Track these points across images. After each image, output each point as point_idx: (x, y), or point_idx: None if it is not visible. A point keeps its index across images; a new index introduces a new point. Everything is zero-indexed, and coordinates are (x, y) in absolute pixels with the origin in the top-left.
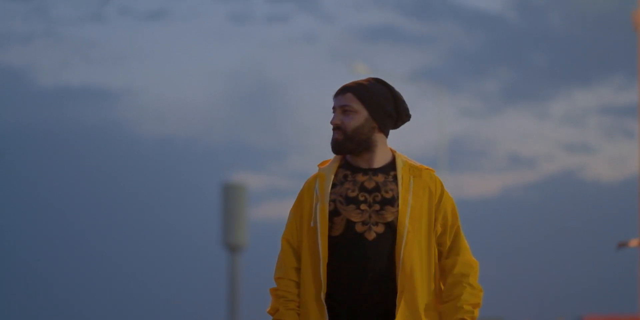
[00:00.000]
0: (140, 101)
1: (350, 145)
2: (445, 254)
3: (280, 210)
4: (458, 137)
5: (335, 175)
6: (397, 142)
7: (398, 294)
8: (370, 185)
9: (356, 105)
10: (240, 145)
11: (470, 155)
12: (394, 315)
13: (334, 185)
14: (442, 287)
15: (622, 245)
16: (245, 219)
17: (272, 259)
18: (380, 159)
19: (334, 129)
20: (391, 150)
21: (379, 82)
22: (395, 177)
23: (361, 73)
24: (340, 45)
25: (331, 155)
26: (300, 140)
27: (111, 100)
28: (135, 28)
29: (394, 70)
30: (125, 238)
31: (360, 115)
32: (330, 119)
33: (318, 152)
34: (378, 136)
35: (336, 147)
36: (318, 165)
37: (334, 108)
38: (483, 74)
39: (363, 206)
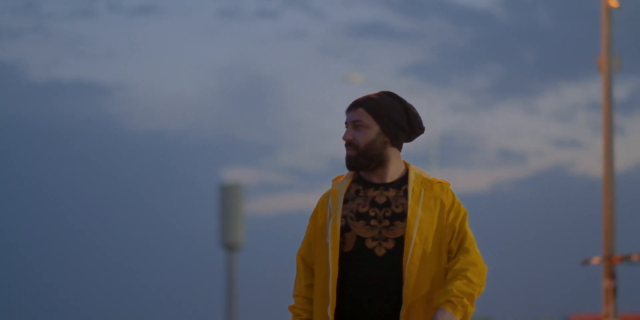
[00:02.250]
0: (132, 96)
1: (363, 161)
2: (452, 258)
3: (271, 204)
4: (448, 133)
5: (348, 190)
6: None
7: (403, 307)
8: (381, 200)
9: (368, 120)
10: (231, 140)
11: (461, 151)
12: None
13: (345, 201)
14: None
15: (586, 262)
16: (242, 218)
17: (264, 255)
18: (393, 174)
19: (346, 145)
20: (405, 163)
21: (390, 95)
22: (406, 191)
23: (356, 83)
24: (330, 41)
25: (321, 156)
26: (291, 135)
27: (103, 95)
28: (125, 23)
29: (384, 66)
30: (118, 233)
31: (372, 130)
32: (343, 134)
33: (308, 146)
34: (391, 150)
35: (350, 163)
36: (332, 181)
37: (346, 123)
38: (472, 70)
39: (373, 222)
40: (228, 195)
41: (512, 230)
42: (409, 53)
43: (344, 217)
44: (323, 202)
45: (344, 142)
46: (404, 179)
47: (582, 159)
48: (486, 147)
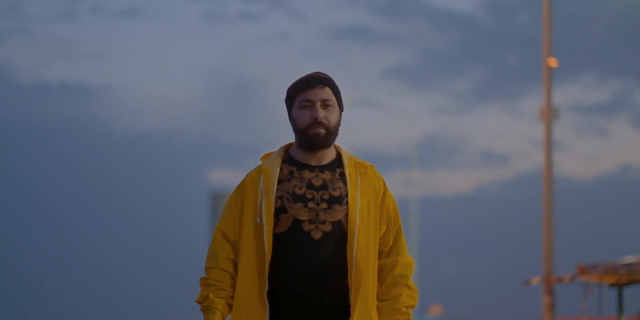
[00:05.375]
0: (118, 98)
1: (330, 140)
2: (385, 253)
3: None
4: (432, 135)
5: (280, 170)
6: (373, 140)
7: (352, 292)
8: (317, 182)
9: (334, 100)
10: (216, 141)
11: (445, 153)
12: (341, 313)
13: (279, 181)
14: (378, 285)
15: (527, 282)
16: None
17: None
18: (328, 156)
19: (315, 124)
20: (335, 146)
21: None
22: (342, 175)
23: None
24: (314, 44)
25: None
26: (276, 136)
27: (89, 96)
28: (108, 26)
29: (367, 68)
30: (105, 233)
31: (337, 111)
32: (306, 114)
33: None
34: None
35: (319, 141)
36: (261, 158)
37: (310, 101)
38: (455, 72)
39: (311, 204)
40: (219, 204)
41: (494, 232)
42: (392, 56)
43: (279, 197)
44: (253, 180)
45: (307, 121)
46: (337, 162)
47: (564, 161)
48: (470, 149)
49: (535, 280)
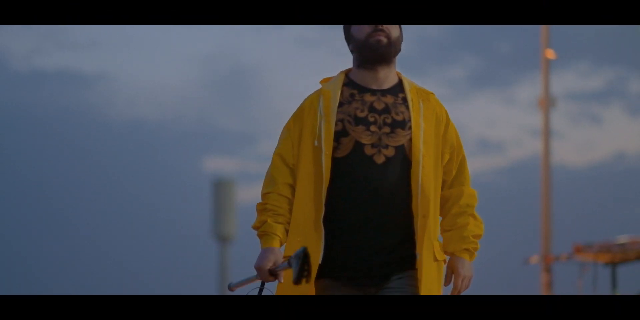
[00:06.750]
0: (114, 86)
1: (392, 51)
2: (449, 183)
3: (250, 193)
4: None
5: (341, 93)
6: None
7: (420, 219)
8: (379, 106)
9: None
10: (211, 129)
11: None
12: (403, 242)
13: (340, 104)
14: (442, 215)
15: (527, 261)
16: (233, 213)
17: (245, 244)
18: (390, 80)
19: (377, 30)
20: (397, 72)
21: None
22: (404, 100)
23: None
24: (307, 32)
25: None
26: (271, 125)
27: (85, 84)
28: None
29: None
30: (104, 223)
31: (397, 29)
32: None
33: None
34: (395, 58)
35: (381, 51)
36: (320, 82)
37: None
38: (449, 60)
39: (373, 128)
40: (221, 192)
41: (490, 220)
42: None
43: (339, 120)
44: (312, 103)
45: (367, 30)
46: (399, 87)
47: (559, 149)
48: (465, 137)
49: (534, 259)
